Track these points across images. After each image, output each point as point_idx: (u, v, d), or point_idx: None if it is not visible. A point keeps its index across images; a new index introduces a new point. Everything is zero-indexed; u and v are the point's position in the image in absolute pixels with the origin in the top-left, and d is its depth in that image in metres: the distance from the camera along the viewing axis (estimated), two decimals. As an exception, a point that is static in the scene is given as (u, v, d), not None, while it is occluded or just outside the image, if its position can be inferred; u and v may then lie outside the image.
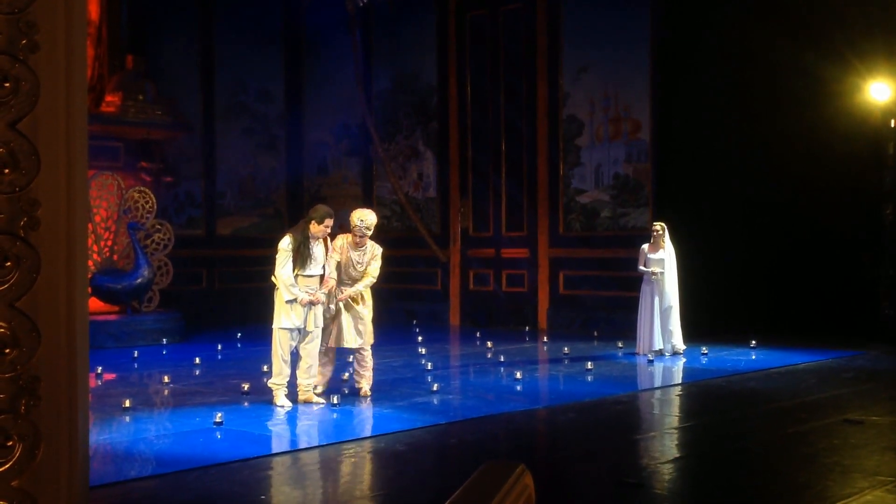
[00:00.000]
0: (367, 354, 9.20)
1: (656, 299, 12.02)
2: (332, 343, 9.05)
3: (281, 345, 8.54)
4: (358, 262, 9.02)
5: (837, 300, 14.32)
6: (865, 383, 10.15)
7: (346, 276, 8.99)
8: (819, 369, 11.14)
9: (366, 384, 9.23)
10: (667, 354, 11.96)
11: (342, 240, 9.07)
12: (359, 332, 9.04)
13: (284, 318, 8.51)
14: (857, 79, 13.75)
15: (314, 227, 8.57)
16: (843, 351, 12.50)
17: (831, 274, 14.48)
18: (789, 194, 14.45)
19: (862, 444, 7.10)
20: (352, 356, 9.53)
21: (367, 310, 9.12)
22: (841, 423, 7.78)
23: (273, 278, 8.56)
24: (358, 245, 9.02)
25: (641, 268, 12.10)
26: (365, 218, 9.02)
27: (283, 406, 8.47)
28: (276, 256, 8.49)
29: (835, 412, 8.29)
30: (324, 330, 8.98)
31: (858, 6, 13.45)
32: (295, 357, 8.78)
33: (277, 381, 8.57)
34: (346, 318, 9.02)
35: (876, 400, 9.16)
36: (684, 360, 11.90)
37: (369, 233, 9.02)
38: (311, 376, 8.77)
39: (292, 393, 8.76)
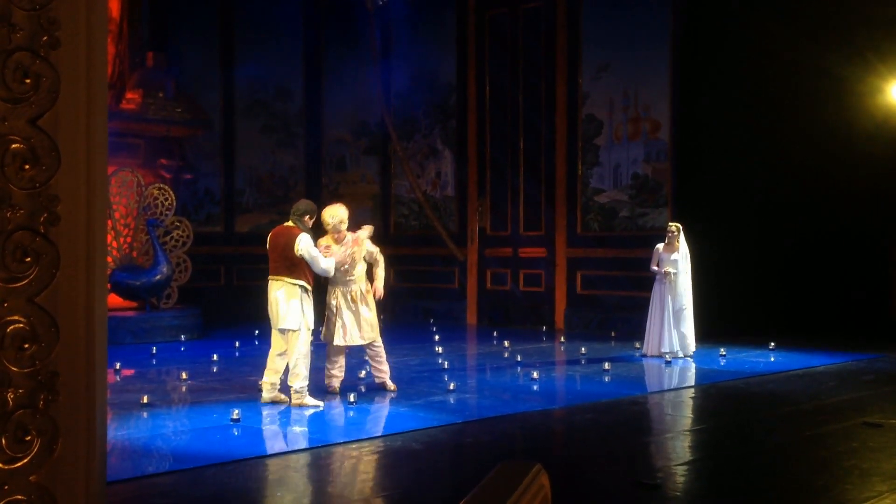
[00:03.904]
0: (380, 348, 9.29)
1: (668, 300, 11.95)
2: (342, 342, 9.01)
3: (308, 344, 8.52)
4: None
5: (858, 302, 14.24)
6: (885, 386, 10.08)
7: (338, 272, 8.95)
8: (838, 372, 11.08)
9: (387, 378, 9.36)
10: (680, 355, 11.87)
11: (324, 241, 9.04)
12: (367, 327, 9.06)
13: (311, 317, 8.50)
14: (878, 80, 13.67)
15: (308, 223, 8.59)
16: (863, 353, 12.43)
17: (851, 275, 14.41)
18: (810, 195, 14.38)
19: (881, 447, 7.05)
20: (365, 355, 9.56)
21: (371, 304, 9.14)
22: (860, 426, 7.72)
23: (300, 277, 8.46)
24: (338, 241, 8.97)
25: (654, 268, 12.04)
26: (335, 213, 8.94)
27: (317, 405, 8.43)
28: (307, 255, 8.31)
29: (854, 415, 8.24)
30: (327, 330, 9.08)
31: (881, 7, 13.36)
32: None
33: (306, 383, 8.50)
34: (350, 314, 9.01)
35: (895, 403, 9.09)
36: (695, 362, 11.84)
37: (343, 226, 8.96)
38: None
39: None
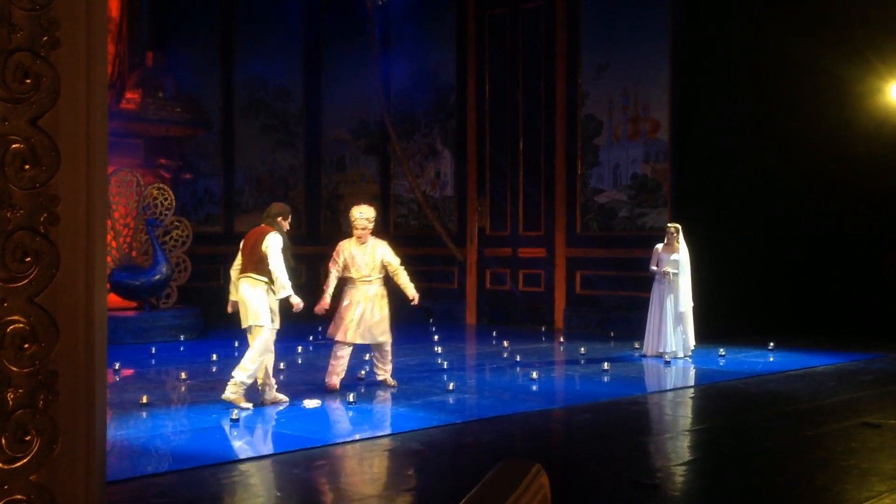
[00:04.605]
0: (388, 351, 9.51)
1: (667, 300, 11.94)
2: (351, 339, 9.19)
3: (270, 344, 8.37)
4: (364, 263, 9.22)
5: (857, 302, 14.24)
6: (884, 386, 10.08)
7: (355, 274, 9.25)
8: (838, 372, 11.08)
9: (388, 376, 9.55)
10: (679, 355, 11.87)
11: (344, 243, 9.35)
12: (379, 328, 9.26)
13: (275, 317, 8.37)
14: (878, 80, 13.67)
15: (283, 225, 8.52)
16: (862, 354, 12.43)
17: (851, 275, 14.40)
18: (809, 194, 14.38)
19: (880, 447, 7.05)
20: (370, 354, 9.71)
21: (383, 306, 9.34)
22: (859, 427, 7.73)
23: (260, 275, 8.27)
24: (360, 241, 9.25)
25: (653, 268, 12.03)
26: (364, 210, 9.32)
27: (248, 407, 8.18)
28: (271, 251, 8.20)
29: (853, 415, 8.24)
30: (338, 326, 9.24)
31: (880, 6, 13.36)
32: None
33: (248, 383, 8.29)
34: (362, 314, 9.19)
35: (895, 403, 9.09)
36: (694, 362, 11.84)
37: (370, 225, 9.28)
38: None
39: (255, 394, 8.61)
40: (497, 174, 17.02)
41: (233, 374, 8.30)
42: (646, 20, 15.04)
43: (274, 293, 8.32)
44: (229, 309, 8.68)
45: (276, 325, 8.39)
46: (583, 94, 15.83)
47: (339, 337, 9.23)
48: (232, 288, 8.56)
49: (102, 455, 2.78)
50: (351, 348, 9.32)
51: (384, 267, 9.35)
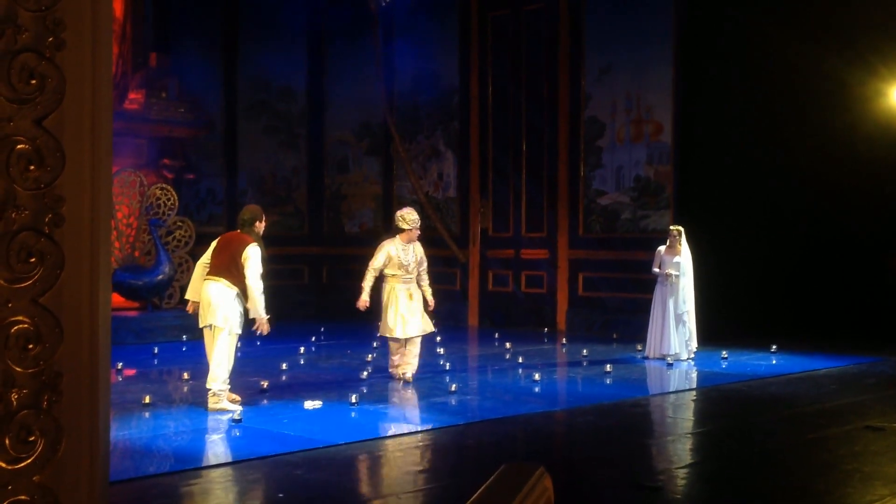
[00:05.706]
0: (418, 343, 9.99)
1: (669, 302, 11.94)
2: (401, 334, 9.71)
3: (233, 349, 8.32)
4: (410, 261, 9.78)
5: (860, 305, 14.23)
6: (887, 389, 10.07)
7: (401, 272, 9.78)
8: (840, 375, 11.07)
9: (410, 372, 9.88)
10: (682, 358, 11.87)
11: (388, 243, 9.85)
12: (425, 319, 9.93)
13: (241, 322, 8.30)
14: (880, 83, 13.67)
15: (259, 228, 8.49)
16: (865, 357, 12.42)
17: (853, 278, 14.40)
18: (811, 198, 14.38)
19: (883, 450, 7.05)
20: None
21: (420, 299, 9.96)
22: (862, 430, 7.72)
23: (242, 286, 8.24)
24: (408, 242, 9.84)
25: (656, 270, 12.03)
26: (414, 212, 10.05)
27: (235, 409, 8.14)
28: (252, 264, 8.18)
29: (856, 418, 8.24)
30: (386, 324, 9.79)
31: (883, 10, 13.36)
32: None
33: (226, 388, 8.32)
34: (408, 307, 9.74)
35: (897, 406, 9.09)
36: (696, 364, 11.84)
37: (416, 225, 9.87)
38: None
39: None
40: (500, 176, 17.01)
41: (208, 386, 8.29)
42: (649, 23, 15.02)
43: (243, 300, 8.26)
44: (189, 309, 8.58)
45: (239, 330, 8.31)
46: (585, 97, 15.82)
47: (389, 335, 9.79)
48: (192, 286, 8.49)
49: (106, 455, 2.79)
50: (403, 342, 9.79)
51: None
